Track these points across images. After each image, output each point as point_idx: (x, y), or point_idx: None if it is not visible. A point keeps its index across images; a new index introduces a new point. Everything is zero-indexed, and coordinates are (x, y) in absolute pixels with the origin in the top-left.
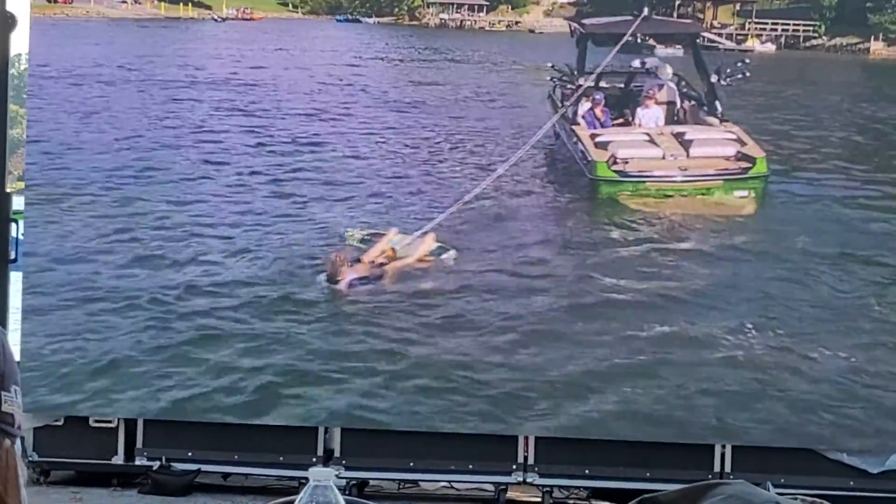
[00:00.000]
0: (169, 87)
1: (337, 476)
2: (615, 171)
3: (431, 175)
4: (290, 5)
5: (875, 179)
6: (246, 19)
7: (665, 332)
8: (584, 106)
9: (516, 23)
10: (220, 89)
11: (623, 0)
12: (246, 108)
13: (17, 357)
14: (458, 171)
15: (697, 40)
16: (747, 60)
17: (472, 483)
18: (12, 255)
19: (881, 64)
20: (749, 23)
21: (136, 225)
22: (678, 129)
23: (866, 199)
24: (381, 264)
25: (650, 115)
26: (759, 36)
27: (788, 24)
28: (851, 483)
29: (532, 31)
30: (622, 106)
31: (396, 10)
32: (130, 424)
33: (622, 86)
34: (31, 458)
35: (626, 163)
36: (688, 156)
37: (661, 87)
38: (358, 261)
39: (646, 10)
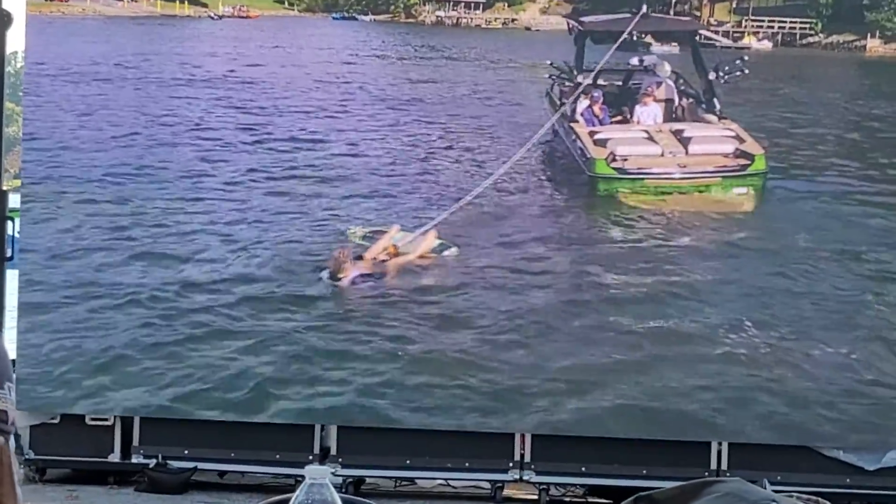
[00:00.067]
0: (166, 85)
1: (333, 474)
2: (614, 169)
3: (429, 172)
4: (286, 3)
5: (872, 176)
6: (242, 17)
7: (663, 329)
8: (583, 103)
9: (512, 20)
10: (218, 87)
11: None
12: (243, 105)
13: (12, 355)
14: (456, 168)
15: (696, 38)
16: (746, 58)
17: (469, 481)
18: (8, 253)
19: (878, 61)
20: (746, 20)
21: (133, 223)
22: (677, 126)
23: (863, 195)
24: (383, 261)
25: (648, 113)
26: (755, 33)
27: (785, 22)
28: (848, 480)
29: (528, 29)
30: (620, 103)
31: (392, 7)
32: (127, 422)
33: (620, 83)
34: (27, 456)
35: (625, 160)
36: (686, 153)
37: (659, 84)
38: (360, 258)
39: (644, 8)
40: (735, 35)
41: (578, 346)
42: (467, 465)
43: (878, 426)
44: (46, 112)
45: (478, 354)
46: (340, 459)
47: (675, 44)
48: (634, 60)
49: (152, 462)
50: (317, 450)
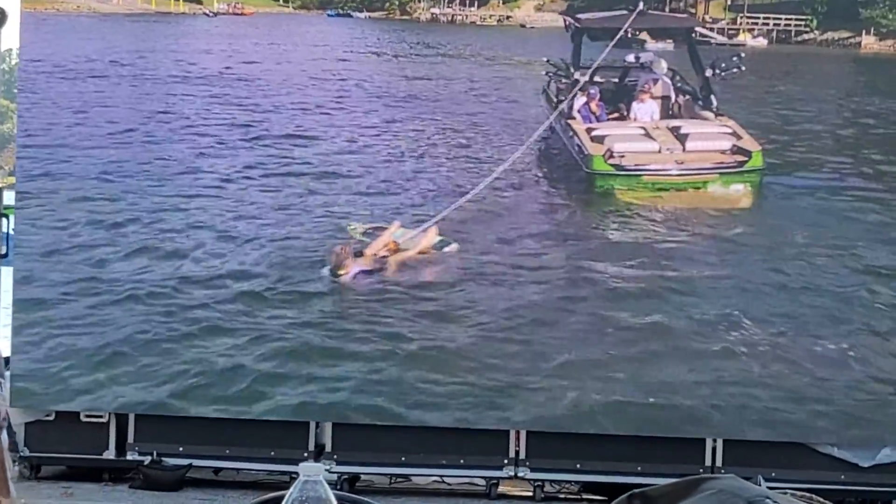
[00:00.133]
0: (161, 82)
1: (328, 471)
2: (611, 165)
3: (426, 169)
4: (281, 0)
5: (867, 173)
6: (237, 14)
7: (659, 325)
8: (580, 100)
9: (507, 17)
10: (213, 84)
11: None
12: (239, 102)
13: (7, 352)
14: (452, 165)
15: (692, 35)
16: (742, 55)
17: (464, 477)
18: (3, 250)
19: (873, 58)
20: (740, 17)
21: (129, 219)
22: (674, 123)
23: (859, 191)
24: (384, 257)
25: (645, 110)
26: (750, 30)
27: (780, 19)
28: (843, 477)
29: (523, 26)
30: (617, 100)
31: (388, 4)
32: (122, 419)
33: (617, 80)
34: (22, 453)
35: (623, 157)
36: (684, 149)
37: (655, 81)
38: (360, 254)
39: (641, 5)
40: (730, 32)
41: (576, 342)
42: (462, 461)
43: (872, 422)
44: (41, 109)
45: (475, 351)
46: (335, 456)
47: (670, 41)
48: (631, 57)
49: (147, 459)
50: (312, 447)
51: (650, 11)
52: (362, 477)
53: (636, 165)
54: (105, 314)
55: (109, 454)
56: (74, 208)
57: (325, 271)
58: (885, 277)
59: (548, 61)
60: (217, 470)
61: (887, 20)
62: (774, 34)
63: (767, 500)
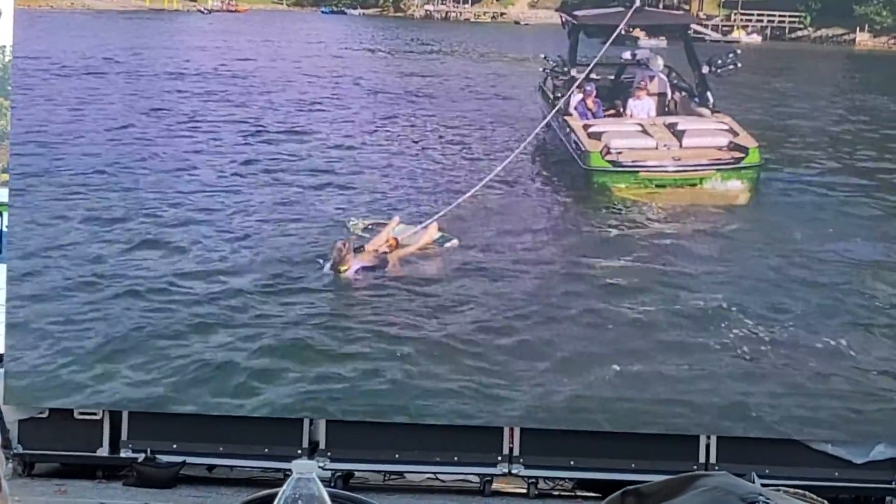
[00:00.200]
0: (157, 78)
1: (322, 468)
2: (609, 161)
3: (422, 165)
4: None
5: (863, 168)
6: (231, 11)
7: (656, 319)
8: (576, 97)
9: (501, 14)
10: (209, 81)
11: None
12: (235, 99)
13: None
14: (448, 161)
15: (688, 32)
16: (739, 51)
17: (458, 474)
18: None
19: (867, 55)
20: (735, 14)
21: (124, 216)
22: (671, 119)
23: (854, 186)
24: (385, 253)
25: (642, 106)
26: (745, 27)
27: (774, 16)
28: (836, 474)
29: (517, 23)
30: (613, 97)
31: (382, 1)
32: (115, 416)
33: (612, 77)
34: (15, 451)
35: (620, 153)
36: (681, 146)
37: (652, 78)
38: (360, 249)
39: (638, 2)
40: (724, 29)
41: (572, 338)
42: (456, 458)
43: (866, 419)
44: (35, 106)
45: (473, 347)
46: (329, 453)
47: (663, 37)
48: (627, 54)
49: (141, 456)
50: (306, 444)
51: (646, 8)
52: (356, 474)
53: (633, 162)
54: (100, 311)
55: (103, 451)
56: (68, 205)
57: (327, 267)
58: (882, 270)
59: (544, 58)
60: (211, 467)
61: (881, 17)
62: (768, 31)
63: (761, 497)
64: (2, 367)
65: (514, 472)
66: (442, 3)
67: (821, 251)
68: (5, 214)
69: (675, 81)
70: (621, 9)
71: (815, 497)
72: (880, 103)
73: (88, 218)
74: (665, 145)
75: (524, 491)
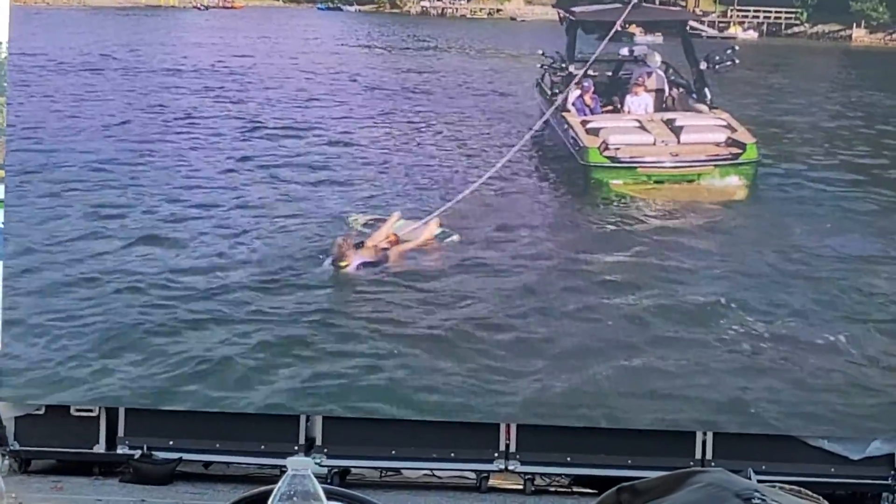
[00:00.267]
0: (154, 75)
1: (319, 464)
2: (607, 157)
3: (419, 162)
4: None
5: (859, 164)
6: (227, 7)
7: (654, 314)
8: (574, 93)
9: (497, 10)
10: (209, 77)
11: None
12: (232, 95)
13: None
14: (445, 156)
15: (686, 28)
16: (736, 48)
17: (454, 471)
18: None
19: (863, 51)
20: (731, 10)
21: (121, 212)
22: (668, 115)
23: (851, 182)
24: (385, 249)
25: (639, 103)
26: (741, 23)
27: (770, 12)
28: (833, 469)
29: (513, 19)
30: (611, 93)
31: None
32: (112, 413)
33: (610, 73)
34: (12, 448)
35: (618, 149)
36: (679, 142)
37: (649, 74)
38: (361, 244)
39: None
40: (720, 25)
41: (570, 334)
42: (452, 455)
43: (864, 414)
44: (31, 102)
45: (471, 343)
46: (326, 450)
47: (659, 34)
48: (625, 51)
49: (137, 453)
50: (302, 440)
51: (644, 4)
52: (353, 470)
53: (631, 158)
54: (97, 307)
55: (99, 448)
56: (65, 202)
57: (328, 263)
58: (876, 268)
59: (542, 54)
60: (207, 464)
61: (877, 13)
62: (765, 27)
63: (756, 494)
64: None
65: (510, 468)
66: (438, 0)
67: (818, 247)
68: (1, 211)
69: (673, 78)
70: (619, 5)
71: (810, 493)
72: (876, 99)
73: (85, 214)
74: (663, 141)
75: (521, 487)
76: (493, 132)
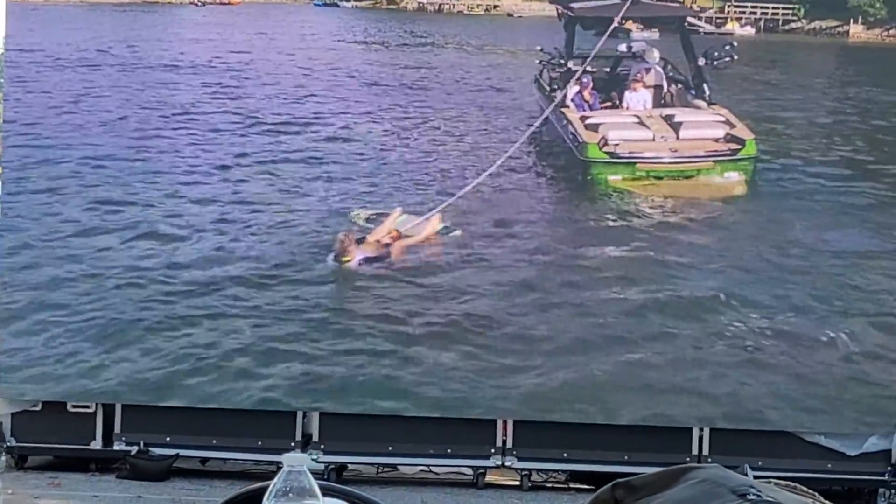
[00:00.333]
0: (151, 71)
1: (315, 461)
2: (606, 153)
3: (417, 158)
4: None
5: (857, 160)
6: (224, 3)
7: (653, 310)
8: (573, 89)
9: (495, 7)
10: (206, 73)
11: None
12: (230, 91)
13: None
14: (443, 151)
15: (685, 24)
16: (735, 44)
17: (451, 467)
18: None
19: (861, 47)
20: (728, 6)
21: (119, 208)
22: (668, 111)
23: (848, 177)
24: (387, 245)
25: (638, 99)
26: (738, 19)
27: (768, 8)
28: (830, 465)
29: (510, 15)
30: (609, 89)
31: None
32: (108, 409)
33: (609, 69)
34: (8, 444)
35: (617, 144)
36: (678, 137)
37: (648, 70)
38: (363, 240)
39: None
40: (717, 21)
41: (568, 330)
42: (449, 451)
43: (860, 410)
44: (29, 98)
45: (469, 338)
46: (322, 446)
47: (655, 29)
48: (623, 47)
49: (134, 449)
50: (299, 437)
51: (642, 0)
52: (349, 466)
53: (630, 153)
54: (94, 303)
55: (96, 444)
56: (62, 197)
57: (330, 258)
58: (873, 262)
59: (541, 50)
60: (204, 460)
61: (874, 9)
62: (762, 23)
63: (751, 490)
64: None
65: (507, 464)
66: None
67: (816, 242)
68: None
69: (671, 74)
70: (617, 1)
71: (805, 489)
72: (873, 95)
73: (83, 210)
74: (662, 137)
75: (517, 483)
76: (491, 128)
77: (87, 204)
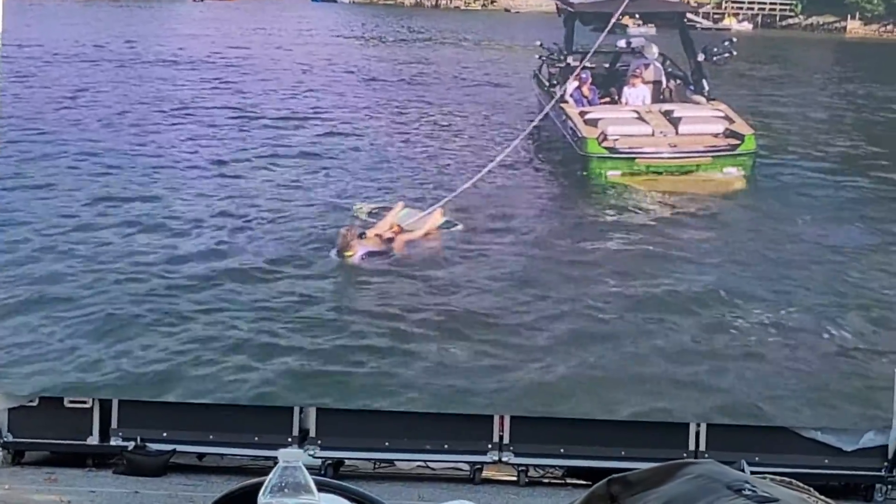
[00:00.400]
0: (150, 66)
1: (312, 456)
2: (605, 148)
3: (415, 154)
4: None
5: (855, 155)
6: None
7: (652, 305)
8: (572, 84)
9: (492, 2)
10: (204, 68)
11: None
12: (228, 87)
13: None
14: (442, 147)
15: (684, 20)
16: (734, 39)
17: (448, 462)
18: None
19: (858, 42)
20: (726, 2)
21: (118, 203)
22: (667, 106)
23: (846, 171)
24: (390, 239)
25: (637, 94)
26: (735, 15)
27: (765, 3)
28: (826, 461)
29: (507, 11)
30: (608, 85)
31: None
32: (105, 405)
33: (607, 65)
34: (5, 439)
35: (617, 140)
36: (677, 133)
37: (647, 66)
38: (364, 235)
39: None
40: (715, 16)
41: (567, 325)
42: (446, 446)
43: (858, 405)
44: (26, 93)
45: (469, 333)
46: (319, 442)
47: (653, 25)
48: (622, 42)
49: (131, 444)
50: (296, 432)
51: None
52: (346, 462)
53: (630, 148)
54: (92, 298)
55: (93, 440)
56: (60, 192)
57: (333, 253)
58: (871, 256)
59: (540, 45)
60: (201, 455)
61: (872, 5)
62: (759, 19)
63: (746, 485)
64: None
65: (504, 459)
66: None
67: (814, 236)
68: None
69: (670, 69)
70: None
71: (801, 485)
72: (871, 90)
73: (81, 205)
74: (661, 132)
75: (514, 479)
76: (489, 123)
77: (85, 199)
